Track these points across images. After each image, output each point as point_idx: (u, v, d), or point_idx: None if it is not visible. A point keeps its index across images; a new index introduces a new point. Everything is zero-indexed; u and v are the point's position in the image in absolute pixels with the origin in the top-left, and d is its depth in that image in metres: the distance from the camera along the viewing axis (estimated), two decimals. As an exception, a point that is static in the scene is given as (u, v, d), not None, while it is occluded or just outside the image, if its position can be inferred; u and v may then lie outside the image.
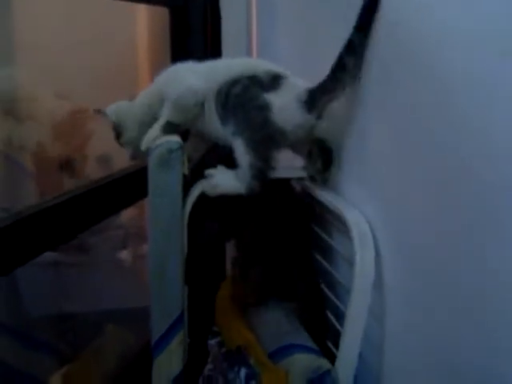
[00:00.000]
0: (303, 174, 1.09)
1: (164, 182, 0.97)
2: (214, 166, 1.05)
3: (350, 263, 0.90)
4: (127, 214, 1.85)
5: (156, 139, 1.00)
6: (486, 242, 0.65)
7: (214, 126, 1.03)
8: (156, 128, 1.02)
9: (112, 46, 1.66)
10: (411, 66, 0.80)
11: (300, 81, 1.01)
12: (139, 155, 1.08)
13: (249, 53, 1.45)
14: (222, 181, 1.01)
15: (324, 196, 1.02)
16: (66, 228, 0.99)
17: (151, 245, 0.99)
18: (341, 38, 0.97)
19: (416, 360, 0.82)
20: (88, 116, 1.67)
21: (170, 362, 1.00)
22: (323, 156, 1.04)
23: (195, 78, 1.04)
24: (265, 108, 0.96)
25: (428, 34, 0.75)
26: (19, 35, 1.56)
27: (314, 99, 0.96)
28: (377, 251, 0.89)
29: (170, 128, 1.02)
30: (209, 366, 1.11)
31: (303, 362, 0.96)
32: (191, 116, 1.04)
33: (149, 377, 1.02)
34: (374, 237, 0.90)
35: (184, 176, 0.99)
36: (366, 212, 0.93)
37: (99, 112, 1.11)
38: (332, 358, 0.95)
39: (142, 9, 1.77)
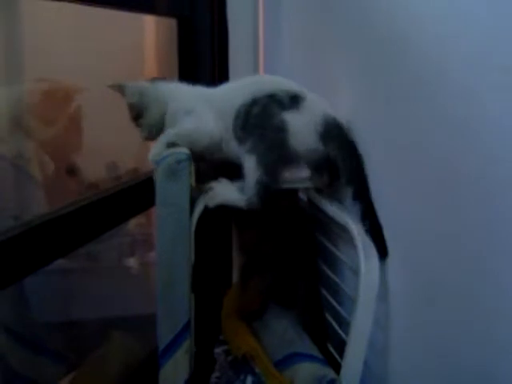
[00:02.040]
0: (309, 184, 1.09)
1: (171, 193, 0.98)
2: (213, 177, 1.04)
3: (355, 273, 0.90)
4: (135, 222, 1.86)
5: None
6: (489, 251, 0.66)
7: (229, 146, 1.03)
8: (162, 142, 1.02)
9: (119, 55, 1.67)
10: (410, 76, 0.81)
11: (317, 99, 1.01)
12: (154, 138, 1.06)
13: (256, 63, 1.46)
14: (222, 192, 1.01)
15: (329, 206, 1.03)
16: (75, 237, 1.00)
17: (159, 254, 1.00)
18: (346, 49, 0.98)
19: (420, 368, 0.83)
20: (69, 95, 1.65)
21: (176, 370, 1.01)
22: (330, 171, 1.04)
23: (213, 118, 1.03)
24: (282, 129, 0.96)
25: (429, 48, 0.76)
26: (28, 45, 1.57)
27: (329, 134, 0.97)
28: (381, 261, 0.90)
29: (174, 147, 1.02)
30: (215, 374, 1.11)
31: (308, 370, 0.97)
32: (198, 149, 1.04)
33: (155, 383, 1.03)
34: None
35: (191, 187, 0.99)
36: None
37: (117, 88, 1.08)
38: (336, 367, 0.95)
39: (150, 20, 1.79)
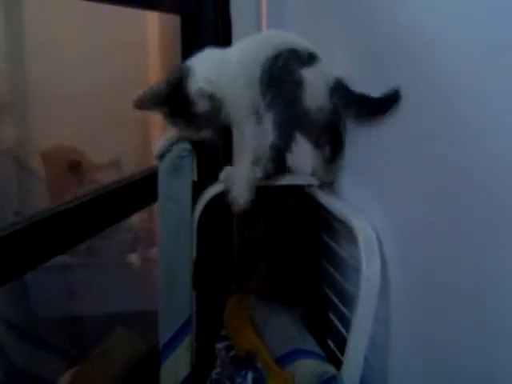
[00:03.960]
0: (312, 181, 1.10)
1: (174, 188, 0.98)
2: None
3: (357, 270, 0.91)
4: (137, 218, 1.87)
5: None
6: (489, 251, 0.66)
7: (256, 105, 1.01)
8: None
9: (123, 52, 1.68)
10: (412, 76, 0.81)
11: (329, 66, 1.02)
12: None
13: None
14: (239, 179, 1.00)
15: (331, 203, 1.03)
16: (76, 232, 1.00)
17: (160, 249, 1.00)
18: (349, 48, 0.99)
19: (420, 365, 0.83)
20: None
21: (177, 365, 1.02)
22: (332, 141, 1.05)
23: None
24: (299, 84, 0.97)
25: (433, 47, 0.77)
26: (31, 37, 1.58)
27: (338, 89, 0.98)
28: (383, 258, 0.90)
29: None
30: (216, 370, 1.11)
31: (309, 367, 0.97)
32: None
33: (156, 380, 1.03)
34: (380, 244, 0.91)
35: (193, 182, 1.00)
36: (373, 219, 0.94)
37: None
38: (337, 364, 0.95)
39: (154, 16, 1.79)
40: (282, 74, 0.98)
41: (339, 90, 0.98)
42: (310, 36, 1.24)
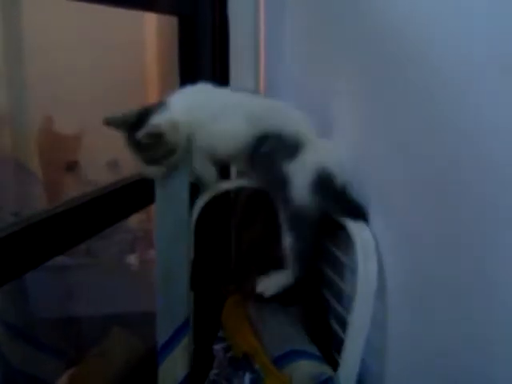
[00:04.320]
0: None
1: (172, 189, 0.99)
2: None
3: (354, 271, 0.91)
4: (135, 219, 1.87)
5: None
6: (488, 251, 0.66)
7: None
8: None
9: (120, 54, 1.68)
10: (409, 78, 0.81)
11: (317, 144, 1.03)
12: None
13: (257, 62, 1.46)
14: (275, 280, 1.03)
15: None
16: (75, 233, 1.00)
17: (158, 250, 1.01)
18: (346, 47, 0.99)
19: (417, 367, 0.83)
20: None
21: (175, 366, 1.02)
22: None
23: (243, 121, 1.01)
24: (286, 182, 0.98)
25: (428, 49, 0.77)
26: (28, 39, 1.58)
27: (321, 185, 0.98)
28: (379, 259, 0.91)
29: None
30: (214, 371, 1.12)
31: (306, 368, 0.97)
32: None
33: (154, 381, 1.04)
34: (377, 246, 0.91)
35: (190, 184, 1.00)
36: (370, 220, 0.94)
37: (155, 132, 0.93)
38: (334, 365, 0.96)
39: (151, 18, 1.79)
40: (267, 164, 1.00)
41: (322, 186, 0.98)
42: (307, 37, 1.25)
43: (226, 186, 1.08)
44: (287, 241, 1.00)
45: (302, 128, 1.03)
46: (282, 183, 0.99)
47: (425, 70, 0.78)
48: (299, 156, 1.00)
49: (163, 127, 0.93)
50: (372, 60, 0.95)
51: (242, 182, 1.08)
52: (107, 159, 1.87)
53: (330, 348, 1.03)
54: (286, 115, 1.05)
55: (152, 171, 0.97)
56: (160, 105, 0.98)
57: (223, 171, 1.22)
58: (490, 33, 0.65)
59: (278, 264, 1.14)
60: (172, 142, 0.94)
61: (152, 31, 1.84)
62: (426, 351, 0.80)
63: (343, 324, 0.97)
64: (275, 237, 1.14)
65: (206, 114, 1.00)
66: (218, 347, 1.15)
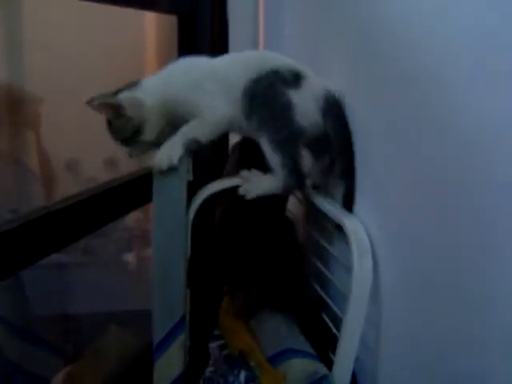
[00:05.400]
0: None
1: (169, 188, 0.99)
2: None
3: (349, 270, 0.91)
4: (132, 217, 1.88)
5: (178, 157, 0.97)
6: (485, 251, 0.67)
7: (238, 122, 1.02)
8: (177, 143, 0.98)
9: (119, 52, 1.68)
10: (409, 77, 0.82)
11: (317, 77, 1.03)
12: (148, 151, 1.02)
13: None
14: (259, 183, 1.01)
15: (324, 204, 1.04)
16: (72, 231, 1.00)
17: (155, 248, 1.01)
18: (348, 43, 0.99)
19: (411, 366, 0.83)
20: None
21: (170, 363, 1.02)
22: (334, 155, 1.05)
23: (222, 99, 1.01)
24: (288, 107, 0.97)
25: (425, 49, 0.77)
26: (29, 37, 1.58)
27: (328, 109, 0.99)
28: (374, 258, 0.91)
29: (195, 145, 1.00)
30: (209, 369, 1.12)
31: (300, 366, 0.97)
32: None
33: (149, 378, 1.04)
34: (372, 244, 0.92)
35: (188, 182, 1.00)
36: (365, 220, 0.95)
37: (111, 104, 0.96)
38: (329, 363, 0.96)
39: (151, 17, 1.80)
40: (268, 98, 0.98)
41: (330, 111, 0.99)
42: (306, 35, 1.25)
43: (222, 184, 1.08)
44: (274, 159, 0.98)
45: (298, 65, 1.03)
46: (284, 108, 0.97)
47: (416, 62, 0.78)
48: (302, 85, 0.99)
49: (122, 101, 0.96)
50: (371, 61, 0.95)
51: (237, 182, 1.08)
52: (104, 157, 1.88)
53: (324, 346, 1.04)
54: (279, 57, 1.05)
55: (128, 152, 1.01)
56: (132, 83, 1.01)
57: (218, 171, 1.23)
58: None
59: (268, 276, 1.14)
60: (135, 117, 0.97)
61: (152, 30, 1.84)
62: (420, 350, 0.81)
63: (337, 322, 0.97)
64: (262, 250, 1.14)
65: (181, 88, 1.01)
66: (213, 345, 1.15)
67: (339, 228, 0.97)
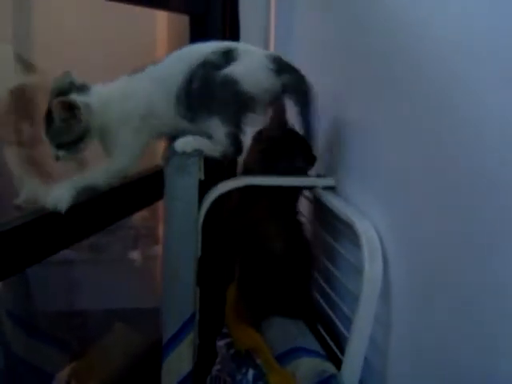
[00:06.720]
0: (315, 183, 1.11)
1: (181, 187, 0.99)
2: None
3: (359, 270, 0.92)
4: (139, 215, 1.88)
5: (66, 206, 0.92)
6: (491, 251, 0.67)
7: (176, 123, 1.01)
8: (73, 187, 0.94)
9: (131, 51, 1.68)
10: (415, 75, 0.83)
11: (256, 49, 1.03)
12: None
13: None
14: (196, 139, 1.00)
15: (335, 205, 1.04)
16: (80, 228, 1.00)
17: (166, 247, 1.01)
18: (357, 44, 0.99)
19: (420, 366, 0.84)
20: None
21: (180, 361, 1.02)
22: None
23: (146, 132, 1.01)
24: (228, 83, 0.97)
25: (433, 45, 0.78)
26: (41, 35, 1.58)
27: (280, 67, 1.00)
28: (385, 259, 0.91)
29: (91, 192, 0.98)
30: (217, 367, 1.12)
31: (309, 365, 0.98)
32: None
33: (154, 376, 1.04)
34: (383, 245, 0.92)
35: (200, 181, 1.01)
36: (376, 221, 0.95)
37: (67, 104, 0.92)
38: (338, 363, 0.97)
39: (162, 16, 1.80)
40: (204, 90, 0.97)
41: (283, 68, 1.00)
42: (317, 36, 1.25)
43: (232, 184, 1.09)
44: (220, 129, 0.98)
45: (229, 44, 1.02)
46: (225, 88, 0.96)
47: (425, 58, 0.79)
48: (237, 58, 0.98)
49: (81, 103, 0.94)
50: (379, 59, 0.96)
51: (249, 181, 1.09)
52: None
53: (333, 346, 1.04)
54: (203, 46, 1.03)
55: (58, 155, 0.96)
56: (82, 87, 0.98)
57: (230, 170, 1.23)
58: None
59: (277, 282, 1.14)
60: (85, 122, 0.94)
61: (163, 29, 1.84)
62: (428, 351, 0.81)
63: (347, 322, 0.97)
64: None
65: (114, 117, 0.99)
66: (220, 343, 1.15)
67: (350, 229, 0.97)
